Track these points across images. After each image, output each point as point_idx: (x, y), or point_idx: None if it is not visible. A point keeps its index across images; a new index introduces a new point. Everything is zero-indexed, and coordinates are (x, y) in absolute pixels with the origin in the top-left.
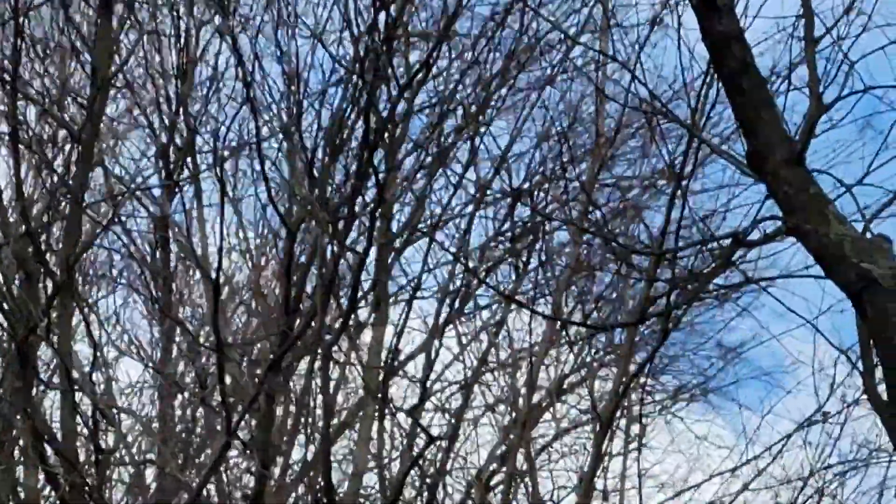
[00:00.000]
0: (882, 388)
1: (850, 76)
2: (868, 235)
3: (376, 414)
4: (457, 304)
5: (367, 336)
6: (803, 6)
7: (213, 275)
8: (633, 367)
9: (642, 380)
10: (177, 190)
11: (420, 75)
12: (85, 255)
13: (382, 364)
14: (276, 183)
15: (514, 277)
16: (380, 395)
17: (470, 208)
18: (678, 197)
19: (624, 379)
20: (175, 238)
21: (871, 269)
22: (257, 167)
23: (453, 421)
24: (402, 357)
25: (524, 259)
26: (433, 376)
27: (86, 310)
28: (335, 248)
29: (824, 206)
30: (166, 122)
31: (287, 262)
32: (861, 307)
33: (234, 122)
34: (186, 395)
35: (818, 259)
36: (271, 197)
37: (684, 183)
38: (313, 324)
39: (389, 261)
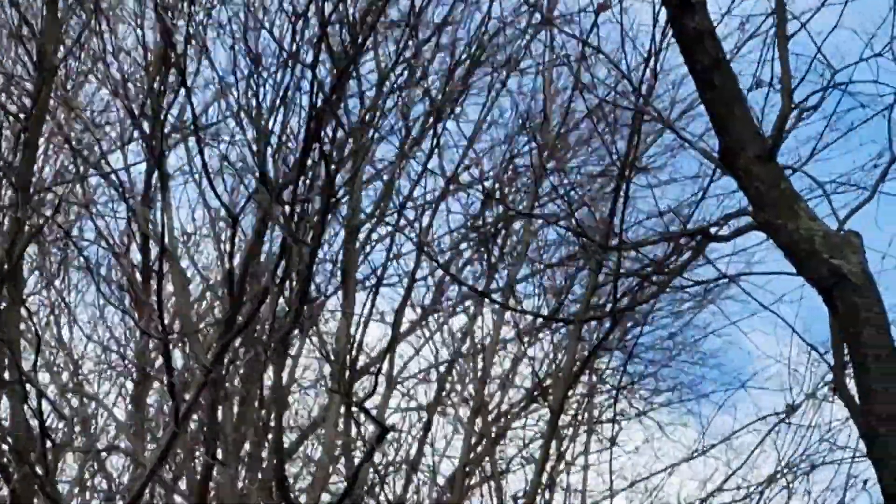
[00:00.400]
0: (852, 384)
1: (826, 75)
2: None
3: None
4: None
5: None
6: (776, 5)
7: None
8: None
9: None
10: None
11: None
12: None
13: (348, 357)
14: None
15: (482, 270)
16: (340, 389)
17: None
18: (623, 189)
19: (573, 369)
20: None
21: (841, 265)
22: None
23: (423, 415)
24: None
25: (495, 254)
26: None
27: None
28: (288, 236)
29: (795, 202)
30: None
31: (230, 249)
32: (832, 303)
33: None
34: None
35: (789, 254)
36: (210, 180)
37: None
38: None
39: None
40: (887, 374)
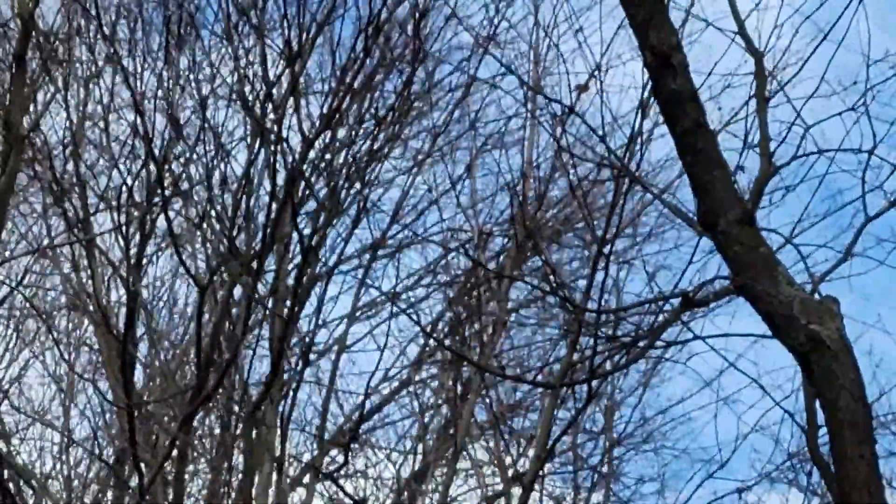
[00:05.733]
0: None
1: (804, 139)
2: (816, 296)
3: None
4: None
5: None
6: (755, 66)
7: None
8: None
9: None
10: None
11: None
12: None
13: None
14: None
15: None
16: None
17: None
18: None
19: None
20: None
21: (819, 331)
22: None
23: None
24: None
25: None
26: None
27: None
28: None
29: (773, 267)
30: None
31: (198, 319)
32: (808, 368)
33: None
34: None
35: (766, 319)
36: (179, 253)
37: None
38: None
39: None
40: (863, 440)
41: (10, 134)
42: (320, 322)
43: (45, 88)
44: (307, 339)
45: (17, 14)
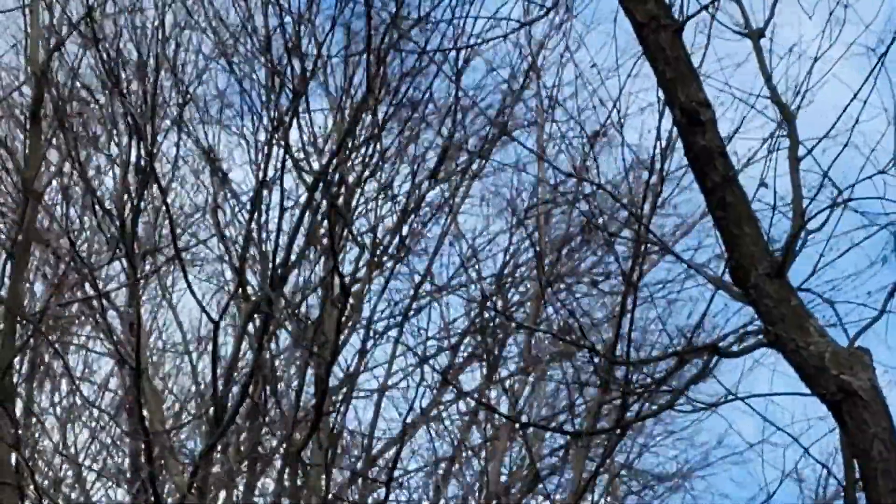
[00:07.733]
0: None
1: (834, 192)
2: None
3: None
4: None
5: None
6: (788, 129)
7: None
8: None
9: None
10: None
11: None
12: None
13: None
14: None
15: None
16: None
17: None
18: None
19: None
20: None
21: (850, 381)
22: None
23: None
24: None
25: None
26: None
27: None
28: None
29: (805, 319)
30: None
31: (213, 352)
32: (841, 419)
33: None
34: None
35: (798, 370)
36: (191, 289)
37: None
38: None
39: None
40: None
41: (26, 189)
42: (361, 367)
43: (59, 146)
44: (351, 380)
45: (30, 71)
